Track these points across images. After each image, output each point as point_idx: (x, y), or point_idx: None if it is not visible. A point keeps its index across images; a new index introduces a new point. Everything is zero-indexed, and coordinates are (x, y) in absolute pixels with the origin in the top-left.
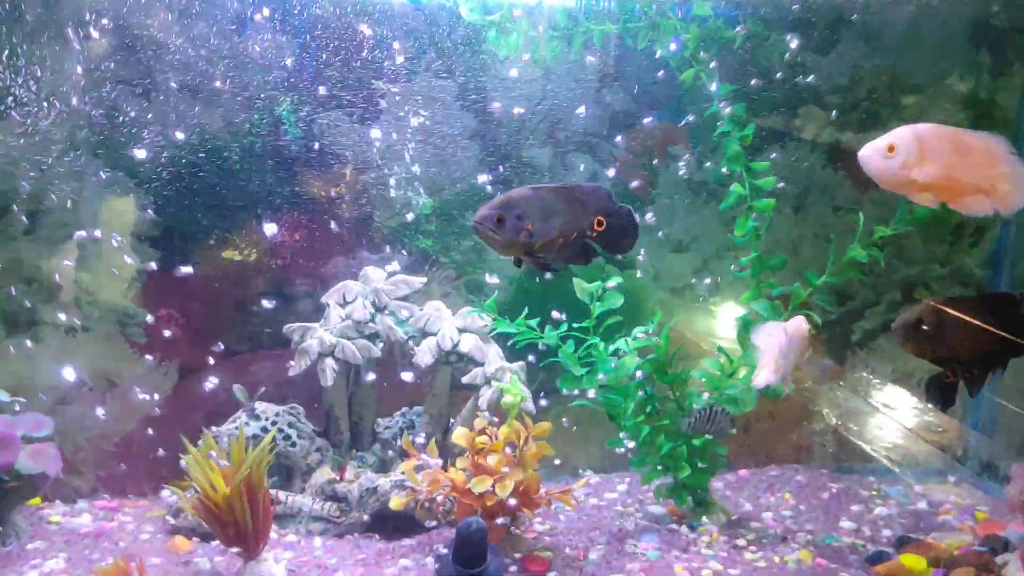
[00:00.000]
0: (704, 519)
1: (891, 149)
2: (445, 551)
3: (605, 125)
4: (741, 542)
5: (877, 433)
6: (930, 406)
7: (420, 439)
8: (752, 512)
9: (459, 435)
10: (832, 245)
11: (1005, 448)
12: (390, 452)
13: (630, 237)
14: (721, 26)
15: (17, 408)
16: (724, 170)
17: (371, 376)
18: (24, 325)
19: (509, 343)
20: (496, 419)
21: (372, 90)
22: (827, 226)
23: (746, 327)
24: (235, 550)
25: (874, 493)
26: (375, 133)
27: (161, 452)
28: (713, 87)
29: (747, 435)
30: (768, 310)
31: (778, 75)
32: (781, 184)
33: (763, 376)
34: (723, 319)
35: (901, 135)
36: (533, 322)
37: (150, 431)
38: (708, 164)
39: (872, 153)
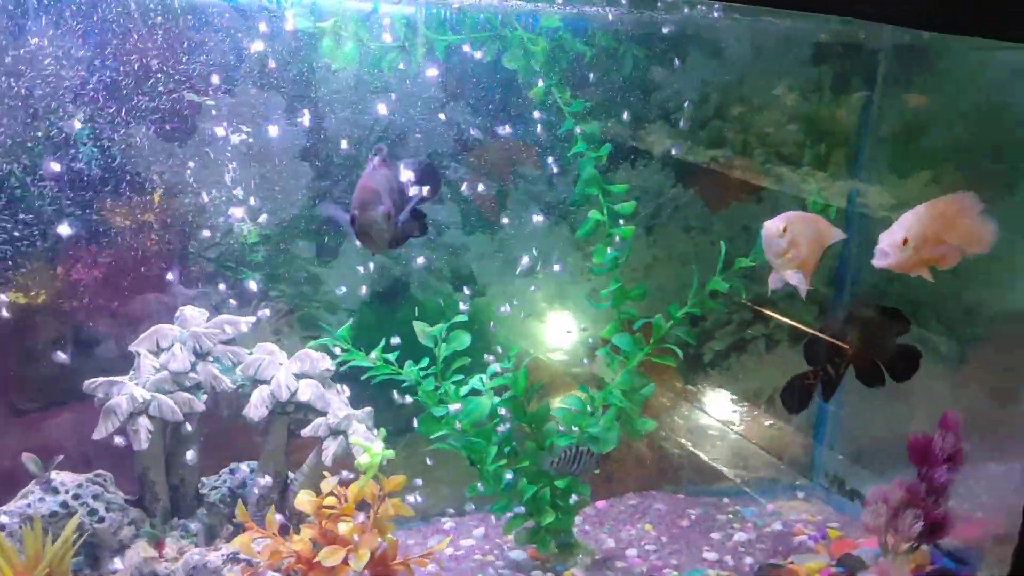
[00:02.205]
0: (568, 563)
1: (906, 242)
2: None
3: (449, 143)
4: None
5: (729, 453)
6: (774, 422)
7: (253, 501)
8: (615, 549)
9: (303, 501)
10: (695, 275)
11: (849, 462)
12: (218, 517)
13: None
14: (570, 39)
15: None
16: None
17: (192, 432)
18: None
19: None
20: (344, 473)
21: (186, 104)
22: (679, 247)
23: (610, 361)
24: None
25: (731, 516)
26: (189, 152)
27: None
28: (564, 104)
29: (604, 463)
30: (629, 344)
31: (628, 90)
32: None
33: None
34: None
35: (909, 226)
36: (391, 356)
37: None
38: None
39: (891, 249)
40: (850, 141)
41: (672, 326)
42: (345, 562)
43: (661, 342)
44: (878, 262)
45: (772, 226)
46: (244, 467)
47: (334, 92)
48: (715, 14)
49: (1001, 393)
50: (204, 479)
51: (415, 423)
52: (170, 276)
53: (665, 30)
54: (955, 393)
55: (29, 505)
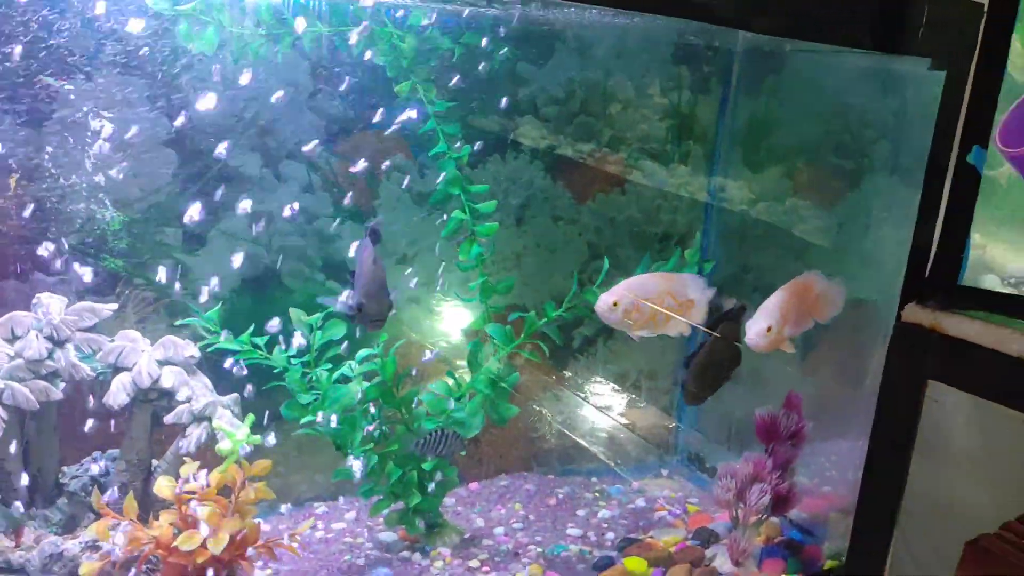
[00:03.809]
0: (436, 543)
1: (770, 329)
2: None
3: (320, 133)
4: (474, 563)
5: (598, 434)
6: (642, 403)
7: (115, 489)
8: (484, 529)
9: (162, 485)
10: (575, 278)
11: (708, 441)
12: (79, 506)
13: None
14: (438, 36)
15: None
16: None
17: (53, 422)
18: None
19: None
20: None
21: (41, 87)
22: (548, 236)
23: (476, 351)
24: None
25: (597, 494)
26: (48, 137)
27: None
28: (429, 102)
29: (476, 446)
30: (500, 334)
31: (496, 86)
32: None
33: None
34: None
35: (771, 312)
36: (260, 340)
37: None
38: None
39: (758, 338)
40: (708, 138)
41: (545, 323)
42: (203, 546)
43: (531, 336)
44: (752, 345)
45: (602, 301)
46: (106, 456)
47: (199, 79)
48: (575, 13)
49: (844, 376)
50: (65, 468)
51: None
52: (27, 263)
53: (531, 28)
54: (803, 376)
55: None
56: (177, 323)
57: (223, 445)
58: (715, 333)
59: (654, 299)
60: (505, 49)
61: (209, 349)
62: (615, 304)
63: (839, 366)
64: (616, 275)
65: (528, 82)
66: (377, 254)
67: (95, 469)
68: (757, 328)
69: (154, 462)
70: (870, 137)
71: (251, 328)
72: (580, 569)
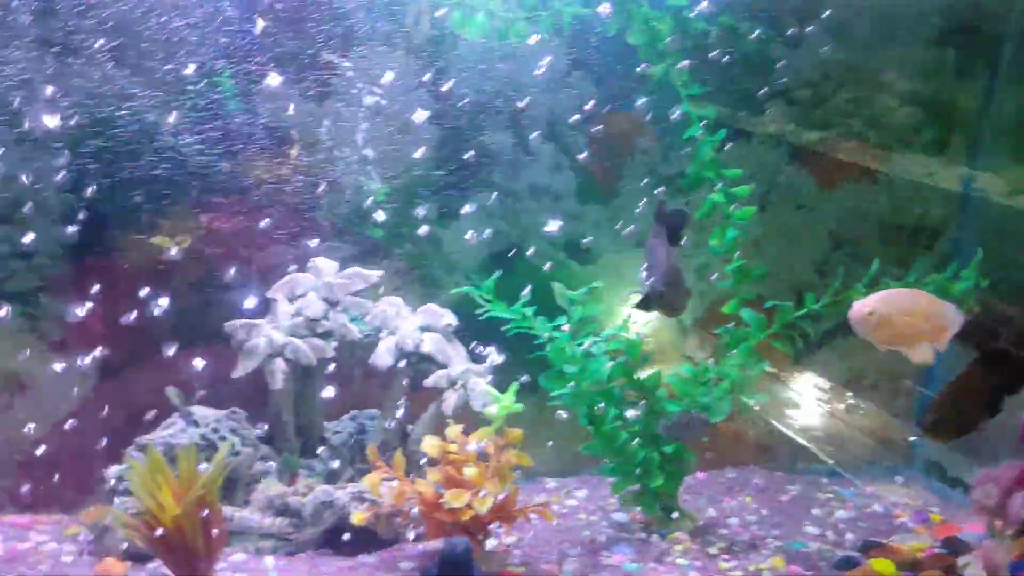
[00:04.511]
0: (672, 527)
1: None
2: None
3: (570, 112)
4: (713, 550)
5: (827, 434)
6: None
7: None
8: (717, 518)
9: (429, 444)
10: (839, 278)
11: (948, 449)
12: (339, 460)
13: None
14: (693, 18)
15: None
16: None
17: (322, 378)
18: None
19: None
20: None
21: (324, 64)
22: (789, 225)
23: (734, 339)
24: None
25: (830, 495)
26: (326, 111)
27: (79, 462)
28: (682, 84)
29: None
30: (755, 321)
31: (747, 68)
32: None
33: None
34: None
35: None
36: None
37: (66, 439)
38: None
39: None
40: (969, 127)
41: (799, 316)
42: (468, 506)
43: (783, 327)
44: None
45: (858, 308)
46: (363, 415)
47: (463, 58)
48: None
49: None
50: (326, 423)
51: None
52: (302, 229)
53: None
54: None
55: (172, 436)
56: (453, 291)
57: (490, 409)
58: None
59: (911, 318)
60: (759, 31)
61: (483, 316)
62: (870, 314)
63: None
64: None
65: (779, 65)
66: (665, 240)
67: (354, 427)
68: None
69: (409, 426)
70: None
71: (523, 297)
72: (822, 566)
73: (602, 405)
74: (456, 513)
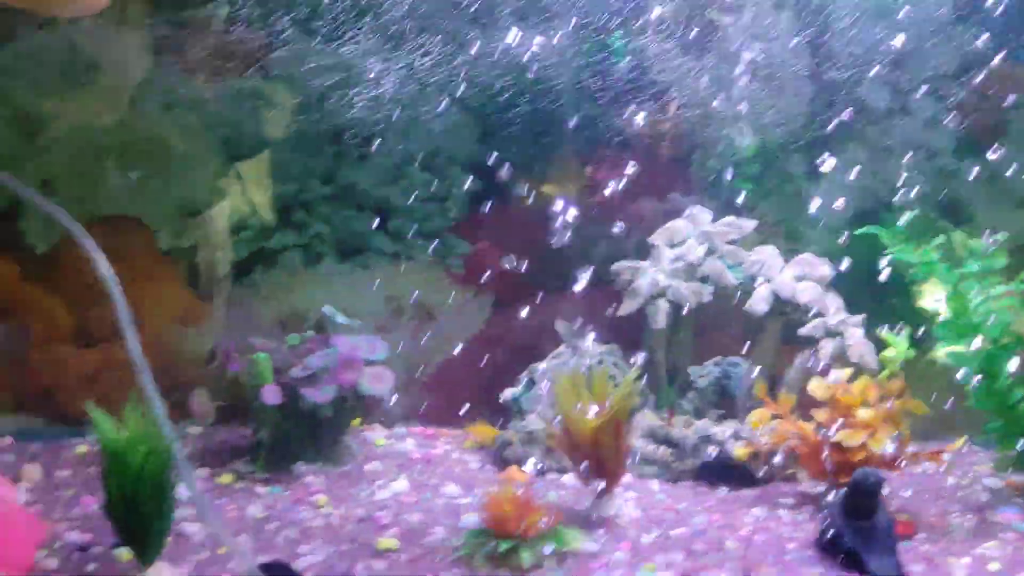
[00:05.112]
0: None
1: None
2: (832, 501)
3: (953, 66)
4: None
5: None
6: None
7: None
8: None
9: (817, 387)
10: None
11: None
12: (705, 402)
13: None
14: None
15: (353, 330)
16: None
17: (694, 322)
18: (353, 251)
19: None
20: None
21: (705, 20)
22: None
23: None
24: (597, 483)
25: None
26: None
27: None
28: None
29: None
30: None
31: None
32: None
33: None
34: None
35: None
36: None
37: (464, 363)
38: None
39: None
40: None
41: None
42: (862, 446)
43: None
44: None
45: None
46: (727, 361)
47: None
48: None
49: None
50: (691, 368)
51: None
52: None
53: None
54: None
55: (563, 364)
56: (859, 231)
57: (888, 352)
58: None
59: None
60: None
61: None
62: None
63: None
64: None
65: None
66: None
67: (719, 372)
68: None
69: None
70: None
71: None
72: None
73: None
74: (847, 453)
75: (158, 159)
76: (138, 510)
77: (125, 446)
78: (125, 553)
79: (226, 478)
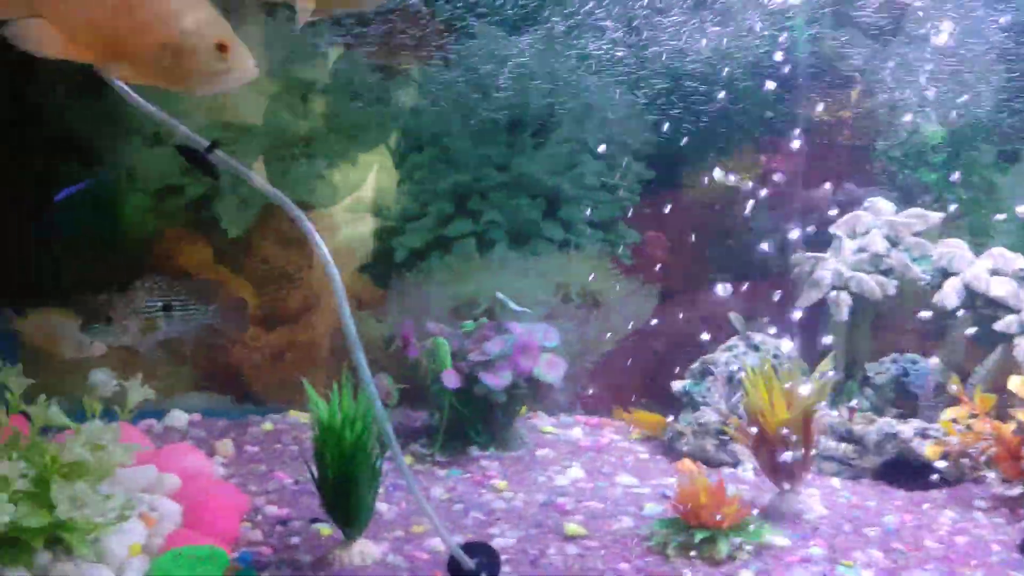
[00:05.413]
0: None
1: None
2: None
3: None
4: None
5: None
6: None
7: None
8: None
9: (1018, 384)
10: None
11: None
12: (883, 399)
13: None
14: None
15: (524, 317)
16: None
17: (873, 316)
18: (524, 239)
19: None
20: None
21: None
22: None
23: None
24: (783, 479)
25: None
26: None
27: (641, 374)
28: None
29: None
30: None
31: None
32: None
33: None
34: None
35: None
36: None
37: (628, 352)
38: None
39: None
40: None
41: None
42: None
43: None
44: None
45: None
46: (906, 359)
47: None
48: None
49: None
50: (867, 364)
51: None
52: (854, 170)
53: None
54: None
55: (735, 356)
56: None
57: None
58: None
59: None
60: None
61: None
62: None
63: None
64: None
65: None
66: None
67: (897, 369)
68: None
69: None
70: None
71: None
72: None
73: None
74: None
75: (337, 148)
76: (350, 487)
77: (341, 423)
78: (324, 528)
79: (406, 460)
